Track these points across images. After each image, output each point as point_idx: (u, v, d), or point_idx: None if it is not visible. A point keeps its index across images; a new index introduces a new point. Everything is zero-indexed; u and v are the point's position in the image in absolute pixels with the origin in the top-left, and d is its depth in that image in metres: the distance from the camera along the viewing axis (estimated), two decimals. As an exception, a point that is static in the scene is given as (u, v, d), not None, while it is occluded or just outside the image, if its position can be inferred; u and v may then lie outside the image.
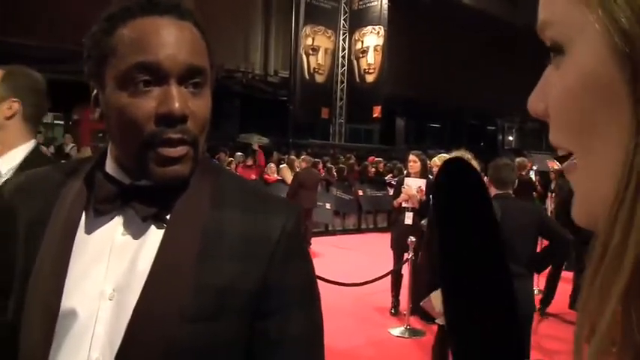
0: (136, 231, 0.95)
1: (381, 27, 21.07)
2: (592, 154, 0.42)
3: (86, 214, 0.98)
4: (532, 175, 11.01)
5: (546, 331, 6.28)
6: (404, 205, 6.47)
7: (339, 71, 21.87)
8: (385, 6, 21.03)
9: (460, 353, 0.62)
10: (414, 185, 6.42)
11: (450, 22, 23.65)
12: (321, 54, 21.18)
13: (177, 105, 0.89)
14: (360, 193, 13.87)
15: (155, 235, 0.95)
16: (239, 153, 14.36)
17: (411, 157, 6.69)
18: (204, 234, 0.95)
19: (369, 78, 21.56)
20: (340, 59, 21.87)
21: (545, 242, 4.28)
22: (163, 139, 0.91)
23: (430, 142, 27.29)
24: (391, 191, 9.13)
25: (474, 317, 0.61)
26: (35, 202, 1.00)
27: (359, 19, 21.69)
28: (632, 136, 0.38)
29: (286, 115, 21.27)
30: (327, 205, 11.99)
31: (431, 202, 6.13)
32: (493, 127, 35.43)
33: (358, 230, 14.04)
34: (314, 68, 21.07)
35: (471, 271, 0.61)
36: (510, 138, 36.03)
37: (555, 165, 9.24)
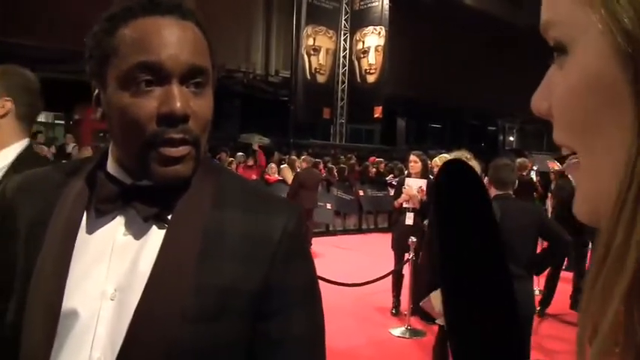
0: (137, 231, 0.95)
1: (382, 27, 21.08)
2: (595, 153, 0.43)
3: (87, 214, 0.98)
4: (533, 175, 11.00)
5: (547, 331, 6.28)
6: (405, 205, 6.47)
7: (340, 71, 21.88)
8: (386, 6, 21.04)
9: (460, 354, 0.62)
10: (415, 185, 6.41)
11: (451, 23, 23.64)
12: (322, 54, 21.19)
13: (178, 105, 0.89)
14: (361, 193, 13.86)
15: (156, 235, 0.95)
16: (240, 153, 14.36)
17: (412, 157, 6.69)
18: (205, 234, 0.95)
19: (370, 78, 21.57)
20: (341, 59, 21.87)
21: (545, 243, 4.28)
22: (165, 138, 0.91)
23: (431, 143, 27.26)
24: (392, 191, 9.12)
25: (474, 318, 0.61)
26: (36, 201, 1.00)
27: (360, 20, 21.70)
28: (634, 136, 0.38)
29: (287, 115, 21.27)
30: (328, 206, 11.98)
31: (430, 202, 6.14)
32: (494, 128, 35.41)
33: (359, 230, 14.03)
34: (315, 68, 21.08)
35: (471, 271, 0.61)
36: (511, 138, 36.02)
37: (556, 166, 9.23)
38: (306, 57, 20.78)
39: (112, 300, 0.92)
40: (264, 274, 0.96)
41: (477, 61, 25.22)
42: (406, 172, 7.64)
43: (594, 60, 0.41)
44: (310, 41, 20.80)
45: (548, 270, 5.87)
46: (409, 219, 6.41)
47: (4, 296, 0.96)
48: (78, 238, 0.96)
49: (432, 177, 6.56)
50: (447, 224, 0.64)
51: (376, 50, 21.34)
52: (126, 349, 0.88)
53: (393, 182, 11.54)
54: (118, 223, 0.96)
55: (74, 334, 0.91)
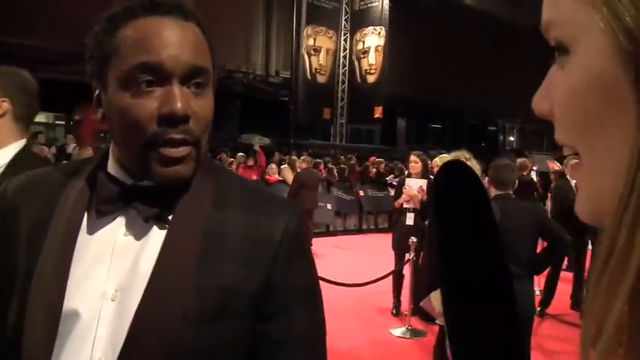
0: (138, 231, 0.95)
1: (382, 27, 21.08)
2: (597, 153, 0.42)
3: (88, 215, 0.98)
4: (533, 175, 10.99)
5: (547, 331, 6.27)
6: (405, 205, 6.46)
7: (341, 72, 21.88)
8: (386, 6, 21.04)
9: (460, 356, 0.62)
10: (415, 186, 6.41)
11: (451, 23, 23.64)
12: (322, 54, 21.19)
13: (179, 105, 0.89)
14: (361, 193, 13.86)
15: (157, 235, 0.95)
16: (240, 153, 14.37)
17: (412, 157, 6.69)
18: (206, 235, 0.95)
19: (371, 78, 21.57)
20: (341, 59, 21.87)
21: (546, 243, 4.28)
22: (166, 139, 0.91)
23: (431, 143, 27.24)
24: (392, 192, 9.12)
25: (473, 319, 0.61)
26: (37, 202, 1.00)
27: (360, 20, 21.70)
28: (637, 135, 0.38)
29: (287, 115, 21.27)
30: (328, 206, 11.98)
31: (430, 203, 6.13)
32: (494, 128, 35.39)
33: (359, 231, 14.03)
34: (316, 69, 21.08)
35: (470, 273, 0.61)
36: (511, 138, 35.99)
37: (556, 166, 9.23)
38: (306, 57, 20.78)
39: (112, 300, 0.92)
40: (265, 274, 0.96)
41: (478, 61, 25.23)
42: (406, 173, 7.64)
43: (596, 59, 0.41)
44: (310, 41, 20.81)
45: (547, 270, 5.88)
46: (410, 219, 6.41)
47: (6, 297, 0.96)
48: (79, 238, 0.95)
49: (432, 177, 6.56)
50: (446, 226, 0.64)
51: (376, 50, 21.33)
52: (127, 349, 0.88)
53: (394, 182, 11.54)
54: (119, 223, 0.96)
55: (75, 335, 0.91)
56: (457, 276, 0.62)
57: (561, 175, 7.41)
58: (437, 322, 4.84)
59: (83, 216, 0.97)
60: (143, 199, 0.94)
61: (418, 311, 5.49)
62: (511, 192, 4.07)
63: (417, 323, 6.12)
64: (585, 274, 7.01)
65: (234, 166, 12.88)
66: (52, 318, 0.90)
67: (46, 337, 0.90)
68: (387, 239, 7.32)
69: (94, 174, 1.00)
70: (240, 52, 20.69)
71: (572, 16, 0.43)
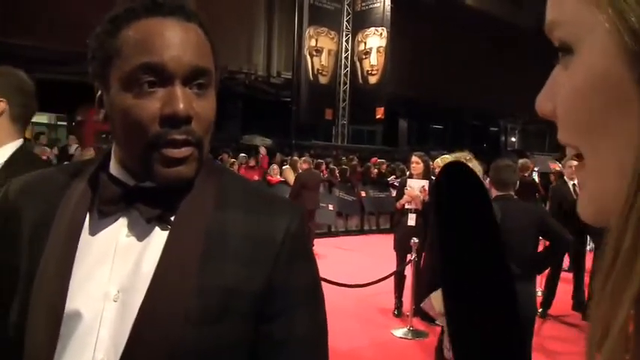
0: (140, 232, 0.95)
1: (384, 28, 21.06)
2: (600, 153, 0.42)
3: (90, 216, 0.98)
4: (535, 176, 10.98)
5: (549, 332, 6.27)
6: (407, 206, 6.46)
7: (342, 72, 21.87)
8: (388, 7, 21.03)
9: (461, 357, 0.62)
10: (417, 186, 6.41)
11: (453, 23, 23.63)
12: (324, 55, 21.19)
13: (181, 106, 0.89)
14: (363, 194, 13.85)
15: (159, 236, 0.95)
16: (242, 154, 14.37)
17: (414, 158, 6.68)
18: (208, 235, 0.95)
19: (372, 79, 21.56)
20: (343, 60, 21.87)
21: (547, 243, 4.27)
22: (168, 140, 0.91)
23: (433, 144, 27.21)
24: (394, 192, 9.12)
25: (474, 321, 0.61)
26: (39, 203, 1.00)
27: (362, 21, 21.69)
28: None
29: (289, 116, 21.26)
30: (330, 207, 11.98)
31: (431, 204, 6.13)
32: (496, 128, 35.37)
33: (361, 231, 14.02)
34: (318, 69, 21.07)
35: (472, 274, 0.61)
36: (513, 139, 35.96)
37: (557, 166, 9.21)
38: (308, 58, 20.78)
39: (115, 301, 0.92)
40: (266, 275, 0.96)
41: (479, 62, 25.22)
42: (408, 173, 7.63)
43: (600, 60, 0.41)
44: (313, 42, 20.81)
45: (548, 270, 5.87)
46: (411, 220, 6.41)
47: (8, 298, 0.96)
48: (81, 239, 0.96)
49: (433, 178, 6.55)
50: (447, 226, 0.64)
51: (378, 51, 21.32)
52: (129, 350, 0.88)
53: (395, 183, 11.53)
54: (121, 224, 0.96)
55: (77, 336, 0.91)
56: (458, 277, 0.62)
57: (560, 175, 7.39)
58: (436, 322, 4.84)
59: (85, 217, 0.98)
60: (145, 200, 0.94)
61: (419, 312, 5.49)
62: (512, 193, 4.06)
63: (418, 324, 6.12)
64: (585, 274, 7.01)
65: (235, 167, 12.88)
66: (55, 318, 0.91)
67: (48, 337, 0.90)
68: (388, 240, 7.32)
69: (96, 175, 1.00)
70: (242, 53, 20.71)
71: (577, 16, 0.43)
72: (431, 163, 6.73)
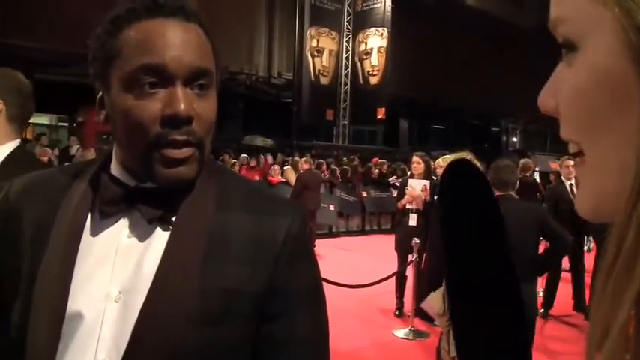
0: (141, 233, 0.95)
1: (385, 29, 21.06)
2: (602, 149, 0.42)
3: (92, 217, 0.98)
4: (536, 176, 10.97)
5: (551, 332, 6.26)
6: (408, 206, 6.46)
7: (343, 73, 21.87)
8: (389, 7, 21.03)
9: (466, 356, 0.62)
10: (418, 186, 6.41)
11: (454, 24, 23.63)
12: (325, 56, 21.19)
13: (182, 106, 0.89)
14: (364, 194, 13.86)
15: (161, 237, 0.95)
16: (243, 155, 14.38)
17: (415, 158, 6.69)
18: (209, 236, 0.95)
19: (373, 80, 21.55)
20: (344, 61, 21.87)
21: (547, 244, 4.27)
22: (169, 140, 0.91)
23: (434, 144, 27.20)
24: (395, 193, 9.12)
25: (479, 320, 0.61)
26: (41, 204, 1.00)
27: (362, 21, 21.69)
28: None
29: (290, 116, 21.26)
30: (331, 207, 11.99)
31: (435, 205, 6.13)
32: (497, 129, 35.35)
33: (362, 232, 14.02)
34: (319, 70, 21.08)
35: (476, 275, 0.61)
36: (514, 139, 35.92)
37: (557, 166, 9.18)
38: (310, 58, 20.78)
39: (116, 302, 0.92)
40: (268, 275, 0.96)
41: (481, 62, 25.21)
42: (409, 174, 7.63)
43: (605, 57, 0.41)
44: (314, 43, 20.81)
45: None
46: (412, 220, 6.41)
47: (9, 299, 0.96)
48: (82, 240, 0.96)
49: (434, 178, 6.56)
50: (451, 227, 0.64)
51: (379, 52, 21.32)
52: (130, 351, 0.88)
53: (396, 184, 11.52)
54: (122, 225, 0.96)
55: (79, 336, 0.91)
56: (463, 277, 0.62)
57: (559, 175, 7.39)
58: (435, 322, 4.83)
59: (86, 218, 0.98)
60: (146, 201, 0.94)
61: (420, 312, 5.50)
62: (512, 193, 4.08)
63: (420, 324, 6.12)
64: (585, 274, 7.01)
65: (236, 168, 12.88)
66: (56, 319, 0.91)
67: (50, 338, 0.90)
68: (389, 240, 7.32)
69: (97, 176, 1.00)
70: (242, 53, 20.71)
71: (582, 13, 0.42)
72: (432, 163, 6.73)
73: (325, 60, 21.21)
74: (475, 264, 0.61)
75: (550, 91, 0.47)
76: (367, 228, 14.23)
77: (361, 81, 21.86)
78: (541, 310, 6.65)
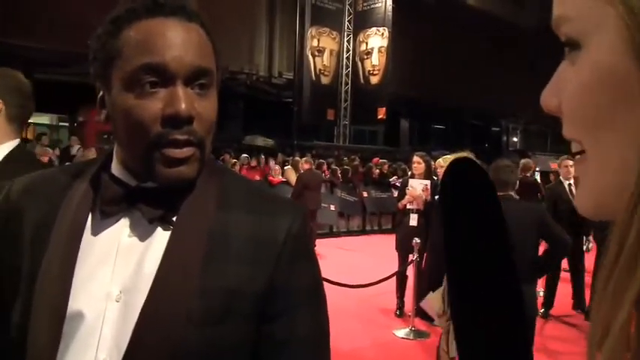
0: (142, 233, 0.95)
1: (386, 28, 21.06)
2: (605, 147, 0.42)
3: (92, 216, 0.98)
4: (537, 176, 10.96)
5: (551, 332, 6.26)
6: (408, 206, 6.46)
7: (344, 72, 21.88)
8: (389, 7, 21.02)
9: (466, 356, 0.62)
10: (419, 186, 6.41)
11: (455, 23, 23.63)
12: (326, 55, 21.19)
13: (183, 106, 0.89)
14: (365, 194, 13.86)
15: (161, 236, 0.95)
16: (243, 155, 14.38)
17: (415, 158, 6.68)
18: (210, 236, 0.95)
19: (374, 79, 21.55)
20: (344, 61, 21.87)
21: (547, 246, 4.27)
22: (169, 140, 0.91)
23: (434, 144, 27.19)
24: (395, 193, 9.12)
25: (479, 321, 0.61)
26: (41, 204, 1.00)
27: (363, 21, 21.69)
28: None
29: (290, 116, 21.26)
30: (332, 207, 11.99)
31: (436, 204, 6.13)
32: (497, 129, 35.34)
33: (363, 232, 14.02)
34: (320, 69, 21.08)
35: (475, 275, 0.61)
36: (515, 139, 35.91)
37: (556, 166, 9.16)
38: (310, 58, 20.78)
39: (117, 302, 0.92)
40: (268, 275, 0.96)
41: (481, 62, 25.22)
42: (409, 173, 7.63)
43: (608, 55, 0.41)
44: (314, 42, 20.82)
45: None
46: (413, 220, 6.41)
47: (10, 298, 0.96)
48: (83, 239, 0.96)
49: (435, 178, 6.56)
50: (451, 227, 0.63)
51: (379, 51, 21.32)
52: (131, 350, 0.88)
53: (397, 184, 11.53)
54: (123, 224, 0.96)
55: (80, 336, 0.91)
56: (462, 277, 0.62)
57: (558, 175, 7.40)
58: (434, 323, 4.83)
59: (87, 217, 0.98)
60: (147, 201, 0.94)
61: (420, 312, 5.50)
62: (512, 193, 4.08)
63: (420, 324, 6.12)
64: (585, 274, 7.00)
65: (237, 167, 12.89)
66: (57, 319, 0.91)
67: (51, 338, 0.90)
68: (390, 240, 7.32)
69: (97, 175, 1.00)
70: (243, 53, 20.71)
71: (585, 11, 0.42)
72: (432, 163, 6.73)
73: (326, 60, 21.21)
74: (474, 264, 0.61)
75: (553, 90, 0.47)
76: (368, 228, 14.23)
77: (362, 81, 21.86)
78: (541, 311, 6.65)
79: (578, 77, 0.44)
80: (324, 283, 1.12)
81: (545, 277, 6.62)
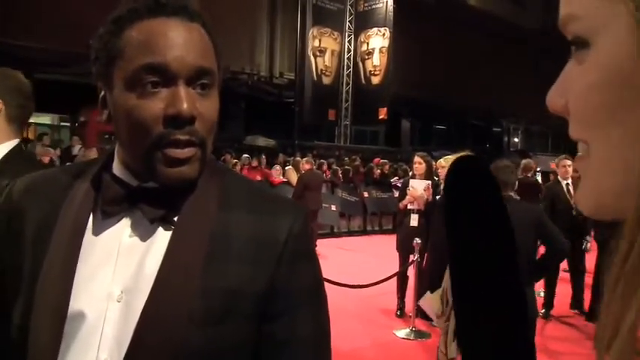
0: (143, 233, 0.95)
1: (387, 29, 21.07)
2: (611, 146, 0.42)
3: (94, 216, 0.98)
4: (539, 177, 10.94)
5: (552, 333, 6.26)
6: (409, 207, 6.46)
7: (345, 73, 21.87)
8: (390, 7, 21.03)
9: (468, 357, 0.62)
10: (420, 187, 6.41)
11: (456, 24, 23.63)
12: (327, 56, 21.19)
13: (185, 106, 0.89)
14: (366, 194, 13.85)
15: (163, 237, 0.95)
16: (244, 155, 14.37)
17: (417, 158, 6.68)
18: (211, 236, 0.95)
19: (375, 80, 21.55)
20: (346, 61, 21.87)
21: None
22: (171, 140, 0.91)
23: (435, 144, 27.21)
24: (396, 193, 9.12)
25: (479, 322, 0.61)
26: (43, 204, 1.01)
27: (364, 21, 21.69)
28: None
29: (292, 116, 21.26)
30: (333, 207, 11.98)
31: (437, 204, 6.13)
32: (499, 129, 35.33)
33: (363, 232, 14.02)
34: (321, 70, 21.08)
35: (479, 274, 0.61)
36: (516, 139, 35.91)
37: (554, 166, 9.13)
38: (312, 58, 20.78)
39: (118, 302, 0.92)
40: (269, 275, 0.96)
41: (482, 62, 25.21)
42: (410, 174, 7.63)
43: (617, 53, 0.40)
44: (316, 43, 20.82)
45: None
46: (414, 220, 6.40)
47: (11, 298, 0.96)
48: (84, 239, 0.96)
49: (436, 178, 6.56)
50: (455, 226, 0.63)
51: (380, 52, 21.33)
52: (132, 350, 0.88)
53: (398, 184, 11.52)
54: (124, 224, 0.96)
55: (81, 336, 0.91)
56: (463, 277, 0.62)
57: (557, 174, 7.41)
58: (433, 323, 4.83)
59: (89, 217, 0.98)
60: (149, 201, 0.94)
61: (421, 312, 5.50)
62: (511, 193, 4.08)
63: (421, 325, 6.12)
64: (586, 275, 7.00)
65: (238, 167, 12.88)
66: (58, 319, 0.91)
67: (52, 337, 0.90)
68: (391, 240, 7.32)
69: (99, 175, 1.00)
70: (244, 53, 20.72)
71: (594, 9, 0.42)
72: (433, 163, 6.73)
73: (327, 60, 21.21)
74: (479, 263, 0.61)
75: (559, 90, 0.47)
76: (369, 228, 14.23)
77: (363, 81, 21.86)
78: (542, 311, 6.65)
79: (585, 76, 0.43)
80: (325, 283, 1.12)
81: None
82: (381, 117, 21.27)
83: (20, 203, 1.02)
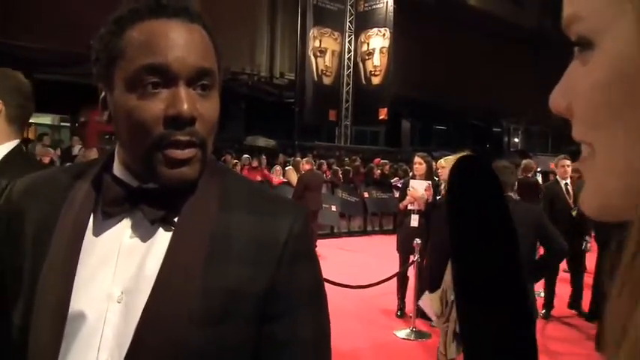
0: (144, 233, 0.95)
1: (387, 29, 21.07)
2: (615, 147, 0.42)
3: (94, 217, 0.98)
4: (539, 177, 10.93)
5: (552, 333, 6.26)
6: (410, 207, 6.46)
7: (345, 73, 21.88)
8: (391, 8, 21.04)
9: (471, 356, 0.62)
10: (420, 187, 6.41)
11: (456, 24, 23.63)
12: (328, 56, 21.21)
13: (185, 107, 0.89)
14: (366, 195, 13.85)
15: (163, 237, 0.95)
16: (245, 155, 14.37)
17: (417, 159, 6.68)
18: (212, 237, 0.95)
19: (375, 80, 21.56)
20: (346, 61, 21.87)
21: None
22: (171, 141, 0.91)
23: (436, 144, 27.20)
24: (397, 194, 9.12)
25: (479, 321, 0.61)
26: (43, 204, 1.00)
27: (365, 21, 21.70)
28: None
29: (292, 117, 21.27)
30: (333, 208, 11.98)
31: (438, 204, 6.12)
32: (499, 129, 35.32)
33: (364, 232, 14.02)
34: (322, 70, 21.09)
35: (482, 274, 0.61)
36: (516, 140, 35.89)
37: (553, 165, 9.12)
38: (312, 59, 20.79)
39: (118, 302, 0.92)
40: (270, 276, 0.96)
41: (482, 62, 25.22)
42: (411, 174, 7.63)
43: (623, 53, 0.40)
44: (317, 43, 20.83)
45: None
46: (414, 221, 6.40)
47: (12, 299, 0.96)
48: (85, 240, 0.96)
49: (436, 178, 6.56)
50: (458, 225, 0.63)
51: (381, 52, 21.33)
52: (133, 351, 0.88)
53: (398, 184, 11.52)
54: (125, 225, 0.96)
55: (81, 337, 0.91)
56: (468, 275, 0.62)
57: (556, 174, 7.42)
58: (433, 323, 4.83)
59: (89, 218, 0.98)
60: (149, 201, 0.94)
61: (421, 312, 5.50)
62: (511, 194, 4.08)
63: (421, 325, 6.12)
64: (586, 275, 7.00)
65: (238, 168, 12.88)
66: (59, 319, 0.91)
67: (53, 338, 0.90)
68: (391, 241, 7.32)
69: (99, 176, 1.00)
70: (244, 54, 20.72)
71: (599, 9, 0.42)
72: (434, 163, 6.73)
73: (328, 60, 21.22)
74: (482, 262, 0.61)
75: (562, 92, 0.46)
76: (369, 228, 14.22)
77: (363, 81, 21.86)
78: (542, 312, 6.65)
79: (590, 77, 0.43)
80: (325, 283, 1.11)
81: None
82: (381, 117, 21.27)
83: (20, 204, 1.02)
